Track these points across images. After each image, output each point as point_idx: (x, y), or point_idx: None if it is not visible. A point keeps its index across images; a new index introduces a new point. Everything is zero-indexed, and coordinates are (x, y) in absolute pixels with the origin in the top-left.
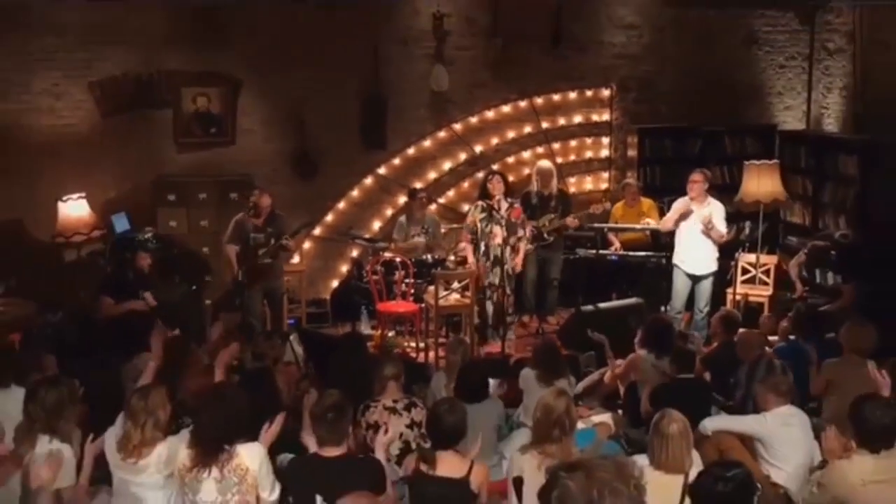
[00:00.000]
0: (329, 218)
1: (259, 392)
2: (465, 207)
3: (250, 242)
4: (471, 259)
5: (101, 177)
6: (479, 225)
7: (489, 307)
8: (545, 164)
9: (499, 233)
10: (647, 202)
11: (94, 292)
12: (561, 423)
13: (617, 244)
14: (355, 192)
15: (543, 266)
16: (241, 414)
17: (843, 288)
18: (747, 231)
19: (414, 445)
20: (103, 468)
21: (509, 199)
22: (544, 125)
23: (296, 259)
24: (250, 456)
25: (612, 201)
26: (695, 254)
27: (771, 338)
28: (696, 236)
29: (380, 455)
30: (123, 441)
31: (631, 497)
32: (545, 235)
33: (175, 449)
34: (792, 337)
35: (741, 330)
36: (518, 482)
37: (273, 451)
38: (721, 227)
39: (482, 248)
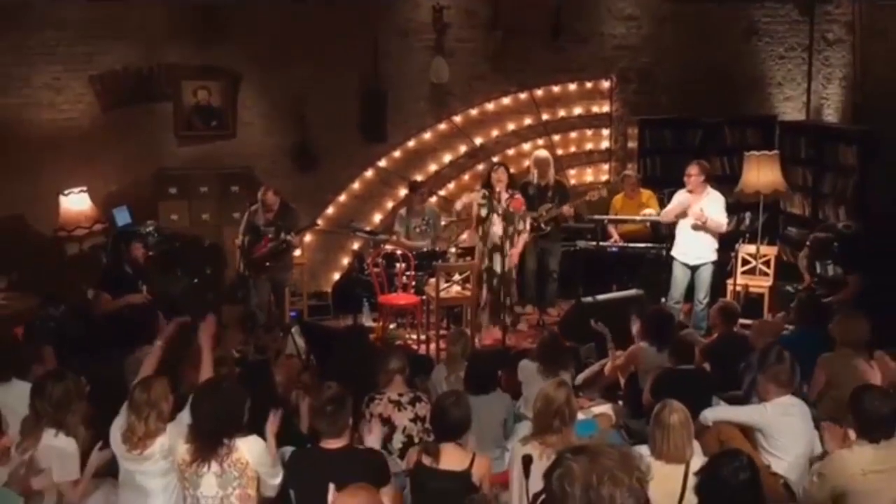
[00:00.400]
0: (330, 211)
1: (257, 386)
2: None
3: (260, 235)
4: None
5: (103, 170)
6: (479, 211)
7: (484, 292)
8: (542, 153)
9: (497, 222)
10: (646, 193)
11: (94, 288)
12: (561, 414)
13: (616, 236)
14: (356, 185)
15: (542, 257)
16: (239, 408)
17: (848, 279)
18: (747, 222)
19: (417, 440)
20: (111, 460)
21: (510, 191)
22: (544, 117)
23: (297, 252)
24: (249, 449)
25: (611, 193)
26: (694, 245)
27: None
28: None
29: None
30: (128, 433)
31: (631, 488)
32: (542, 225)
33: (175, 435)
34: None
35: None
36: (528, 460)
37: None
38: (721, 217)
39: (480, 232)
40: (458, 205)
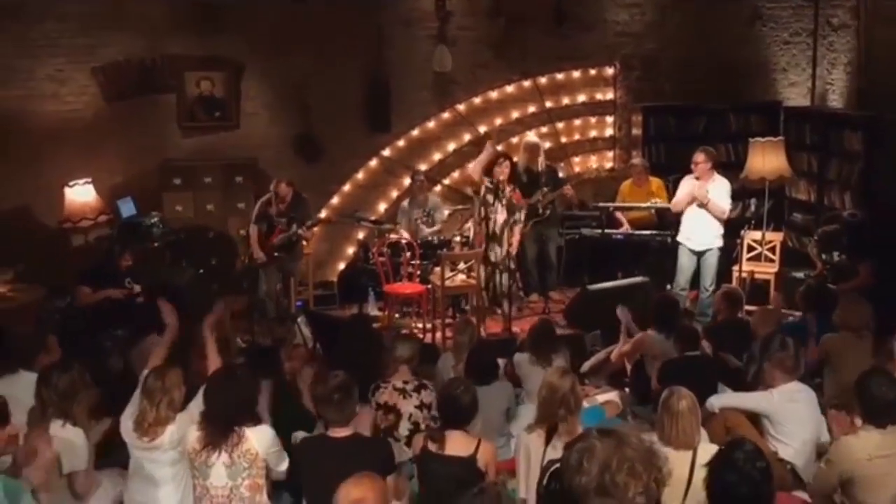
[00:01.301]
0: (335, 201)
1: (267, 373)
2: (470, 190)
3: (273, 225)
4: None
5: (107, 162)
6: (485, 199)
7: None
8: (532, 139)
9: (501, 210)
10: (655, 182)
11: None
12: (566, 403)
13: (626, 224)
14: (360, 175)
15: (542, 245)
16: (250, 397)
17: (860, 267)
18: (753, 208)
19: (423, 426)
20: (123, 451)
21: (512, 185)
22: (548, 105)
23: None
24: (259, 439)
25: (619, 180)
26: (700, 231)
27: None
28: (701, 214)
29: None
30: (139, 419)
31: (647, 486)
32: (540, 210)
33: (183, 424)
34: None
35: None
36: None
37: (286, 430)
38: (724, 203)
39: (483, 219)
40: (477, 166)
